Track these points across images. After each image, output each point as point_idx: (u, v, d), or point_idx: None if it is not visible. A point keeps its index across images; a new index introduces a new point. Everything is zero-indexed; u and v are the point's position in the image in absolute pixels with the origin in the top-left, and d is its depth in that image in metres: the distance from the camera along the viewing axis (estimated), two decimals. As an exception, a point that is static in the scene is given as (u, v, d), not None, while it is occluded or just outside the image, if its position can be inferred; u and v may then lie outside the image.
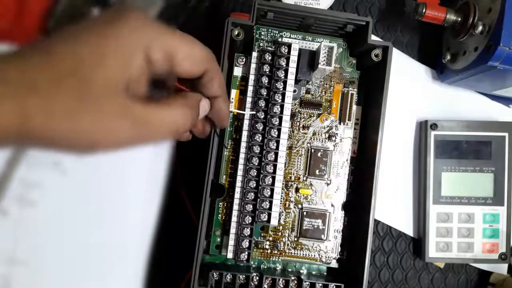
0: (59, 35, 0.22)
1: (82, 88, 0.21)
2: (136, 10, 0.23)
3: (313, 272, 0.40)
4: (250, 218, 0.36)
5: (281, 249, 0.39)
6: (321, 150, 0.39)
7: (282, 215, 0.39)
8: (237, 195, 0.36)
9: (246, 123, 0.37)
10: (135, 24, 0.23)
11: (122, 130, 0.23)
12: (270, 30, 0.39)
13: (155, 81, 0.26)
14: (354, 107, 0.40)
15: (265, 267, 0.39)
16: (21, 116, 0.20)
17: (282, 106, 0.36)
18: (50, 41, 0.22)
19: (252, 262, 0.39)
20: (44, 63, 0.21)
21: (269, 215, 0.35)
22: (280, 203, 0.38)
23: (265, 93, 0.36)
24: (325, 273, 0.40)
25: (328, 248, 0.39)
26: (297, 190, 0.39)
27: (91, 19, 0.23)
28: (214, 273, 0.35)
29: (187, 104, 0.26)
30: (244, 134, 0.37)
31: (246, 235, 0.36)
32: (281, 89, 0.36)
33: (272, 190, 0.35)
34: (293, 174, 0.39)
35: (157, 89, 0.27)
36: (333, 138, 0.40)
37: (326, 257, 0.39)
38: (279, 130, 0.36)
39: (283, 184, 0.38)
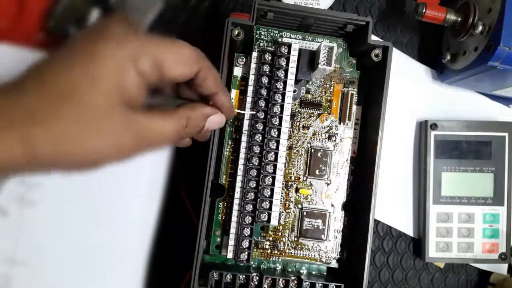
0: (47, 61, 0.22)
1: (80, 112, 0.22)
2: (116, 23, 0.23)
3: (313, 272, 0.40)
4: (250, 218, 0.36)
5: (281, 249, 0.39)
6: (321, 150, 0.39)
7: (282, 215, 0.39)
8: (237, 195, 0.36)
9: (246, 123, 0.37)
10: (118, 40, 0.23)
11: (124, 143, 0.23)
12: (270, 30, 0.39)
13: (154, 89, 0.26)
14: (354, 107, 0.40)
15: (265, 267, 0.39)
16: (27, 146, 0.20)
17: (282, 106, 0.36)
18: (40, 69, 0.22)
19: (252, 262, 0.39)
20: (38, 92, 0.21)
21: (269, 215, 0.35)
22: (280, 203, 0.38)
23: (265, 93, 0.36)
24: (325, 273, 0.40)
25: (328, 248, 0.39)
26: (297, 190, 0.39)
27: (74, 40, 0.24)
28: (214, 273, 0.35)
29: (183, 116, 0.26)
30: (244, 134, 0.37)
31: (246, 235, 0.36)
32: (281, 89, 0.36)
33: (272, 190, 0.35)
34: (293, 174, 0.39)
35: (158, 97, 0.28)
36: (333, 138, 0.40)
37: (326, 257, 0.39)
38: (279, 130, 0.36)
39: (283, 184, 0.38)
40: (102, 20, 0.25)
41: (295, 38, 0.39)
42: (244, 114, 0.37)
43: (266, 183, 0.35)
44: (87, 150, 0.22)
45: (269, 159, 0.35)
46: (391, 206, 0.46)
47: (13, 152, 0.20)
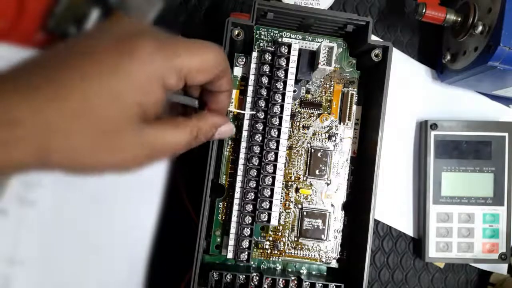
0: (63, 64, 0.21)
1: (97, 127, 0.21)
2: (144, 35, 0.22)
3: (313, 272, 0.40)
4: (250, 218, 0.36)
5: (281, 249, 0.39)
6: (321, 150, 0.39)
7: (282, 215, 0.39)
8: (237, 195, 0.36)
9: (246, 123, 0.37)
10: (146, 55, 0.22)
11: (137, 157, 0.23)
12: (270, 30, 0.39)
13: None
14: (354, 107, 0.40)
15: (265, 267, 0.39)
16: (41, 156, 0.20)
17: (282, 106, 0.36)
18: (56, 75, 0.21)
19: (252, 262, 0.39)
20: (55, 102, 0.20)
21: (269, 215, 0.35)
22: (280, 203, 0.38)
23: (265, 93, 0.36)
24: (325, 273, 0.40)
25: (328, 248, 0.39)
26: (297, 190, 0.39)
27: (96, 43, 0.22)
28: (214, 273, 0.35)
29: (194, 127, 0.26)
30: (244, 134, 0.37)
31: (246, 235, 0.36)
32: (281, 89, 0.36)
33: (272, 190, 0.35)
34: (293, 174, 0.39)
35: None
36: (333, 138, 0.40)
37: (326, 257, 0.39)
38: (279, 130, 0.36)
39: (283, 184, 0.38)
40: (128, 24, 0.23)
41: (295, 38, 0.39)
42: (244, 114, 0.37)
43: (266, 183, 0.35)
44: (99, 163, 0.22)
45: (269, 159, 0.35)
46: (391, 206, 0.46)
47: (27, 158, 0.20)
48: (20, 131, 0.19)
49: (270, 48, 0.37)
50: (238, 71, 0.39)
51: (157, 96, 0.23)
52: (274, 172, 0.35)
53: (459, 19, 0.40)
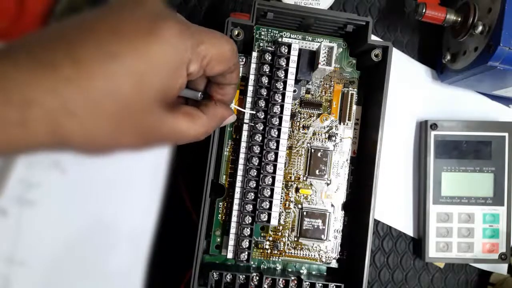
0: (87, 38, 0.20)
1: (120, 111, 0.20)
2: (170, 17, 0.22)
3: (313, 272, 0.40)
4: (250, 218, 0.36)
5: (281, 249, 0.39)
6: (321, 150, 0.39)
7: (282, 215, 0.39)
8: (237, 195, 0.36)
9: (246, 123, 0.37)
10: (172, 38, 0.21)
11: (148, 142, 0.23)
12: (270, 30, 0.39)
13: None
14: (354, 107, 0.40)
15: (265, 267, 0.39)
16: (55, 138, 0.19)
17: (282, 106, 0.36)
18: (77, 49, 0.19)
19: (252, 262, 0.39)
20: (75, 82, 0.19)
21: (269, 215, 0.35)
22: (280, 203, 0.38)
23: (265, 93, 0.36)
24: (325, 273, 0.40)
25: (328, 248, 0.39)
26: (297, 190, 0.39)
27: (122, 20, 0.21)
28: (214, 273, 0.35)
29: (206, 122, 0.26)
30: (244, 134, 0.37)
31: (246, 235, 0.36)
32: (281, 89, 0.36)
33: (272, 190, 0.35)
34: (293, 174, 0.39)
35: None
36: (333, 138, 0.40)
37: (326, 257, 0.39)
38: (279, 130, 0.36)
39: (283, 184, 0.38)
40: (152, 4, 0.22)
41: (295, 38, 0.39)
42: (244, 114, 0.37)
43: (266, 183, 0.35)
44: (115, 146, 0.22)
45: (269, 159, 0.35)
46: (391, 206, 0.46)
47: (41, 140, 0.19)
48: (34, 112, 0.18)
49: (270, 48, 0.37)
50: (238, 71, 0.39)
51: (182, 82, 0.22)
52: (274, 172, 0.35)
53: (459, 19, 0.40)
